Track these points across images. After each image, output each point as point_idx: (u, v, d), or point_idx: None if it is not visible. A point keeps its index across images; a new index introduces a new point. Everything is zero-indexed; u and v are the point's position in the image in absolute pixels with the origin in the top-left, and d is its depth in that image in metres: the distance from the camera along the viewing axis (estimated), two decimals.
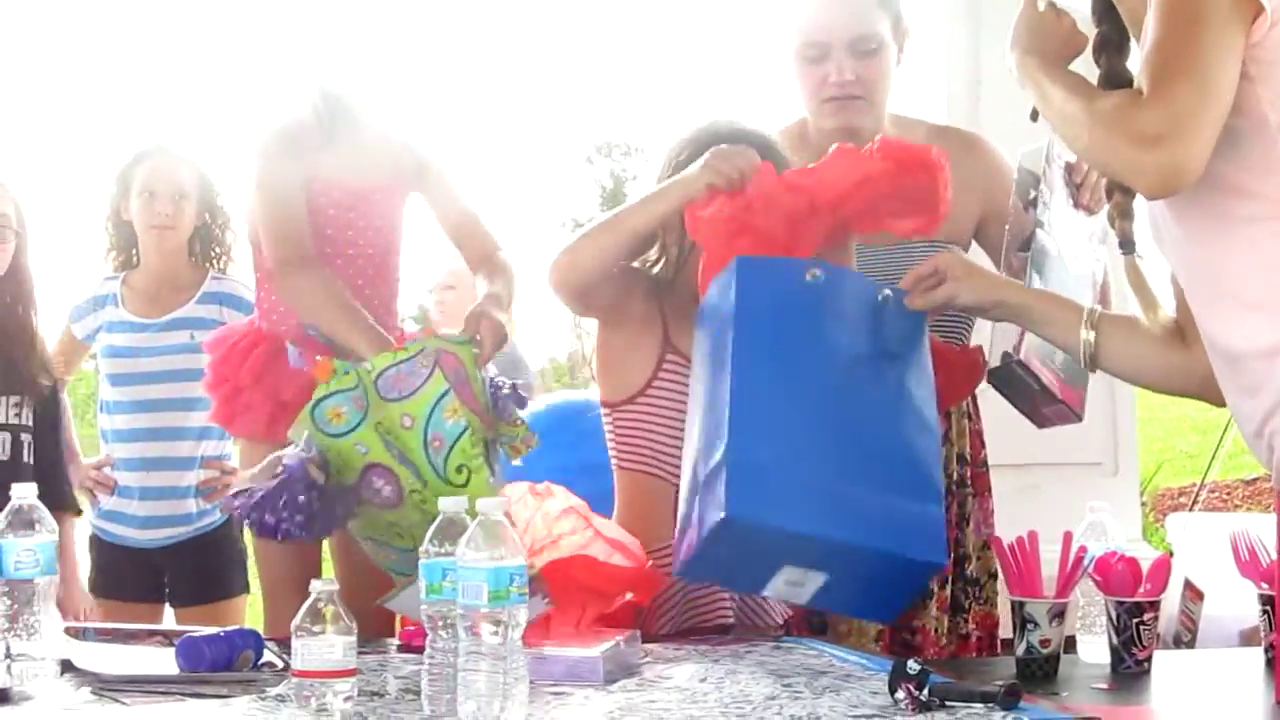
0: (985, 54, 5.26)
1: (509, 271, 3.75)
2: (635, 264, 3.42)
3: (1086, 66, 2.78)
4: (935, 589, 3.58)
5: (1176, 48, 2.44)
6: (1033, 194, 3.27)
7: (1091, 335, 2.89)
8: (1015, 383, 3.20)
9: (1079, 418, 3.27)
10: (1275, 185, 2.49)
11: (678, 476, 3.21)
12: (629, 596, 3.18)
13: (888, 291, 3.02)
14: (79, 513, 4.57)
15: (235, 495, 3.21)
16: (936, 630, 3.62)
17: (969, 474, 3.70)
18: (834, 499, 2.81)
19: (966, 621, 3.67)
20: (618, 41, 64.13)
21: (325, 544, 3.83)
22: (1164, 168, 2.43)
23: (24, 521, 2.74)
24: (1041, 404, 3.24)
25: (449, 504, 2.60)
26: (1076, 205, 3.35)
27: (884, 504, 2.85)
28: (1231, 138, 2.48)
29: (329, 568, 3.88)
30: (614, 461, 3.50)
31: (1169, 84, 2.42)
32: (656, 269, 3.43)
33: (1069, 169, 3.34)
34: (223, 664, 2.88)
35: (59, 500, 4.14)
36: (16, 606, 2.73)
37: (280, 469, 3.16)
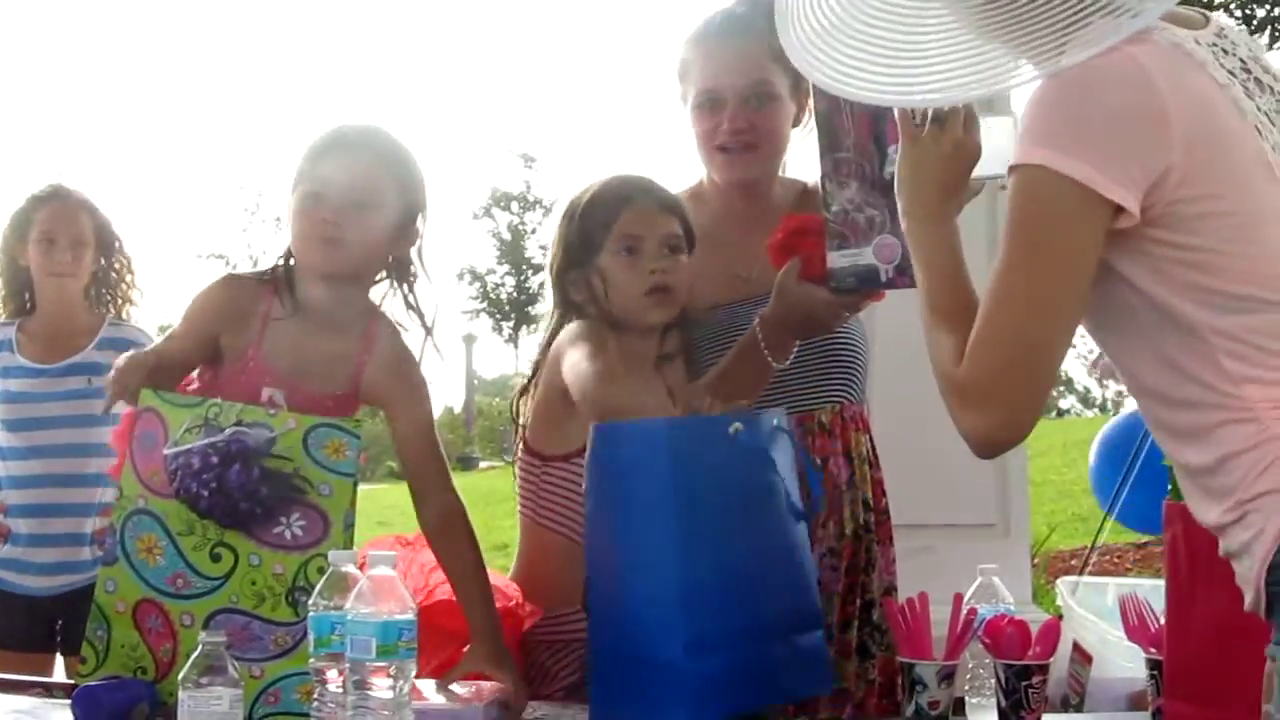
0: None
1: (478, 559, 3.31)
2: (596, 321, 3.41)
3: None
4: (838, 634, 3.58)
5: (1002, 299, 2.32)
6: None
7: None
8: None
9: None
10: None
11: None
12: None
13: (739, 425, 3.03)
14: None
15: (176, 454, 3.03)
16: (856, 679, 3.62)
17: (872, 520, 3.71)
18: (756, 672, 2.96)
19: (873, 668, 3.67)
20: (520, 96, 64.20)
21: None
22: (978, 435, 2.34)
23: None
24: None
25: (339, 557, 2.59)
26: None
27: (786, 650, 3.05)
28: (1159, 362, 2.35)
29: None
30: (528, 515, 3.46)
31: (978, 348, 2.33)
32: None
33: None
34: (120, 713, 2.86)
35: None
36: None
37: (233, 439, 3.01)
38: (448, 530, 3.26)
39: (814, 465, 3.43)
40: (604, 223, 3.39)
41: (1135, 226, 2.28)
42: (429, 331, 3.39)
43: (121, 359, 3.19)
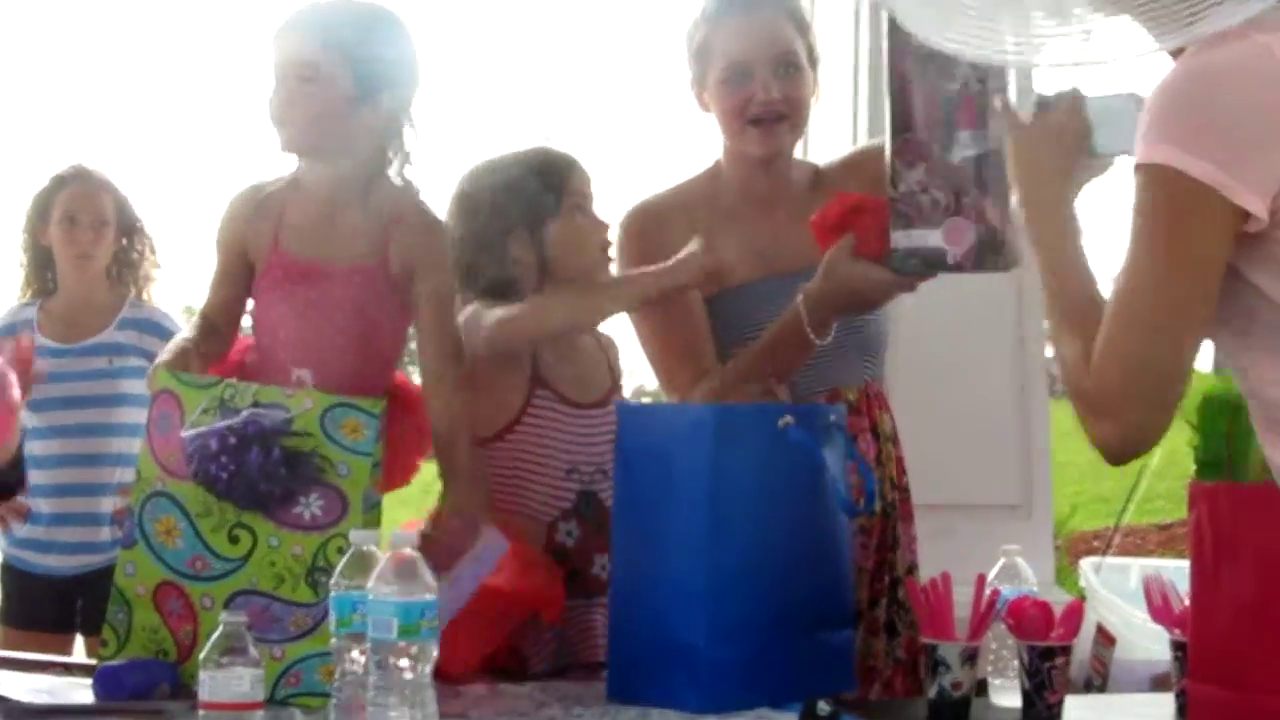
0: None
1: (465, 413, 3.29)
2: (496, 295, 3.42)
3: None
4: (867, 611, 3.57)
5: (1128, 307, 2.25)
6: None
7: None
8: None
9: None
10: None
11: (547, 514, 3.35)
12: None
13: (789, 418, 3.05)
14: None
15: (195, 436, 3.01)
16: (884, 657, 3.61)
17: (896, 498, 3.70)
18: (779, 667, 2.98)
19: (899, 646, 3.66)
20: (538, 75, 64.17)
21: None
22: (1110, 447, 2.30)
23: None
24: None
25: (360, 537, 2.59)
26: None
27: (812, 647, 3.07)
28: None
29: None
30: None
31: (1105, 358, 2.26)
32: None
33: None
34: (141, 693, 2.86)
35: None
36: None
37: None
38: (441, 379, 3.26)
39: (868, 465, 3.42)
40: (556, 184, 3.44)
41: (1261, 231, 2.19)
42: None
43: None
